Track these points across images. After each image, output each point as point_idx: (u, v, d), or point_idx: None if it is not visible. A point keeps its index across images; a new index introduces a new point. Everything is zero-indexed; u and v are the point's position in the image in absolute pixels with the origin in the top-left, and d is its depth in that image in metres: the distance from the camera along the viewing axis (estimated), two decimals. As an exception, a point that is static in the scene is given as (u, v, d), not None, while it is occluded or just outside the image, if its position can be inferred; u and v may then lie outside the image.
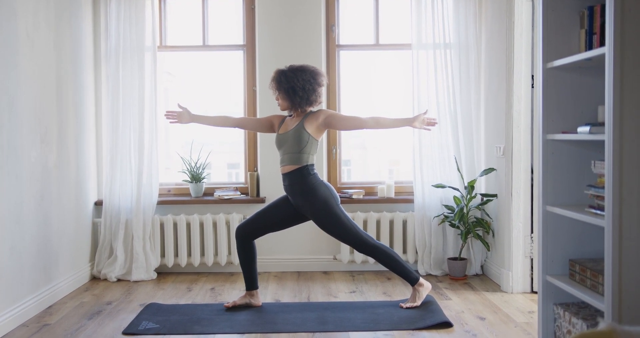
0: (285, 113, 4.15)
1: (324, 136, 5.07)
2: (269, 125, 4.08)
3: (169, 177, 5.34)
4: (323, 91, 3.96)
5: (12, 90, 3.69)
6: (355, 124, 3.92)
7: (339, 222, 3.86)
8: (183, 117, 4.06)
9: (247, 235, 3.95)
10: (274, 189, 4.94)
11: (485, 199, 4.76)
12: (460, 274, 4.75)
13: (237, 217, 4.99)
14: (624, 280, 2.32)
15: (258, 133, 5.09)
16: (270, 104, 4.90)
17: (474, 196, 4.73)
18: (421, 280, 3.98)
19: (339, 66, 5.20)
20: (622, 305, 2.32)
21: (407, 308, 3.91)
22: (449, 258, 4.82)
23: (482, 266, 4.96)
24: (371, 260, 4.91)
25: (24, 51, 3.86)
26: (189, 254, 5.04)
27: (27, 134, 3.88)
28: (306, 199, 3.84)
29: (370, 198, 5.05)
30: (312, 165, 3.87)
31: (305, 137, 3.82)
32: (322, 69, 4.96)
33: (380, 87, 5.47)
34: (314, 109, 3.94)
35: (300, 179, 3.82)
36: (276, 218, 3.97)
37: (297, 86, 3.82)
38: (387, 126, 3.98)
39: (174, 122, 4.09)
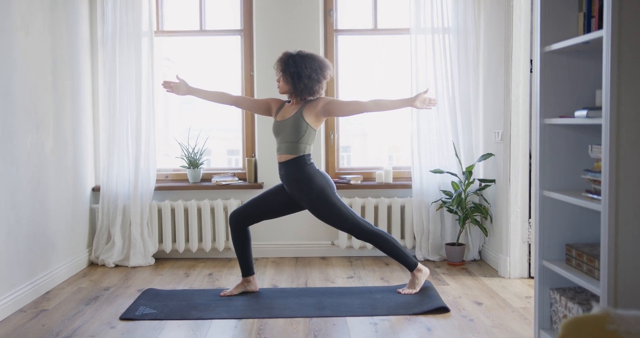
0: (284, 97, 4.11)
1: (322, 121, 5.06)
2: (266, 107, 4.02)
3: (167, 163, 5.33)
4: (326, 84, 3.90)
5: (7, 75, 3.67)
6: (355, 108, 3.86)
7: (336, 211, 3.84)
8: (180, 88, 4.00)
9: (240, 221, 3.93)
10: (271, 175, 4.94)
11: (483, 184, 4.75)
12: (458, 259, 4.75)
13: (235, 203, 4.99)
14: (620, 264, 2.31)
15: (256, 119, 5.07)
16: (267, 90, 4.88)
17: (472, 182, 4.72)
18: (420, 265, 3.97)
19: (337, 51, 5.17)
20: (617, 289, 2.31)
21: (405, 294, 3.92)
22: (447, 244, 4.82)
23: (479, 252, 4.97)
24: (369, 245, 4.91)
25: (19, 36, 3.82)
26: (187, 240, 5.04)
27: (23, 120, 3.86)
28: (302, 188, 3.81)
29: (368, 183, 5.04)
30: (309, 155, 3.83)
31: (303, 127, 3.77)
32: (320, 53, 4.92)
33: (378, 72, 5.43)
34: (313, 98, 3.89)
35: (296, 169, 3.80)
36: (271, 205, 3.94)
37: (304, 73, 3.75)
38: (388, 108, 3.90)
39: (170, 92, 4.03)
